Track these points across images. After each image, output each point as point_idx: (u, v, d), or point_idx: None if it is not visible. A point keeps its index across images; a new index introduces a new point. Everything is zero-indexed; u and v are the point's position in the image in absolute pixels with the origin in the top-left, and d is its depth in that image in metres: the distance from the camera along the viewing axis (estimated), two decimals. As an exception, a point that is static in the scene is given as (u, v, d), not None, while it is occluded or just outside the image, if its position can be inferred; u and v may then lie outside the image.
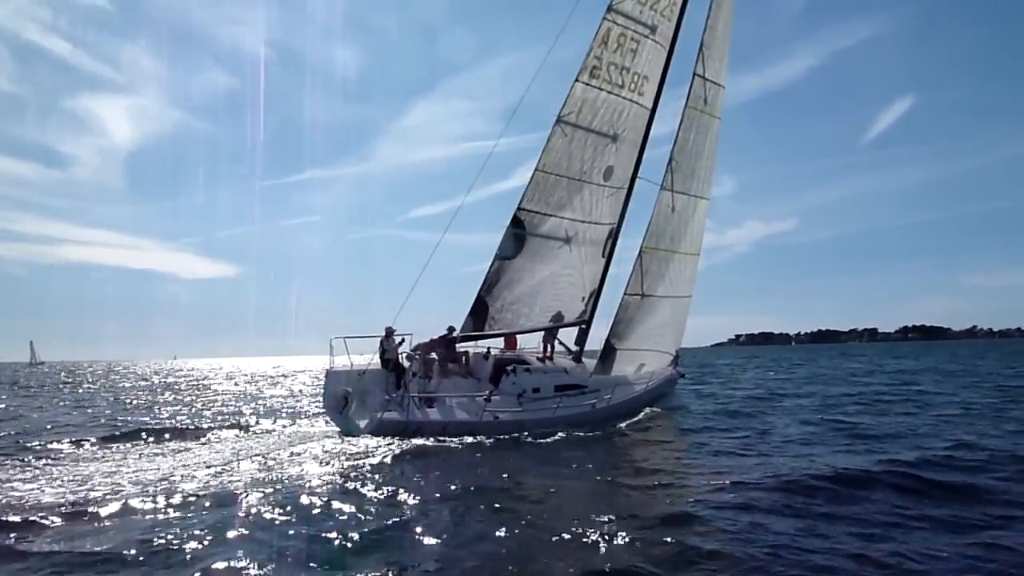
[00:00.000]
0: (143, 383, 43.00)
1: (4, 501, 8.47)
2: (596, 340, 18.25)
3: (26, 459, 11.70)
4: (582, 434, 13.82)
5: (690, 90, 18.47)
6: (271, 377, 50.71)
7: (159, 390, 34.30)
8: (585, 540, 6.68)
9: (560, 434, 13.60)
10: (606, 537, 6.70)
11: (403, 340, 15.42)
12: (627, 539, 6.67)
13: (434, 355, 15.96)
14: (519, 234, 16.80)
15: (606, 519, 7.32)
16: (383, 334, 15.25)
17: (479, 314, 16.65)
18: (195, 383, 41.30)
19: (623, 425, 16.36)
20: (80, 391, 35.33)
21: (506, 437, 13.37)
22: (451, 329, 16.50)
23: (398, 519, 7.51)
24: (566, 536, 6.81)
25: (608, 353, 17.66)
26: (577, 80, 16.53)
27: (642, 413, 18.04)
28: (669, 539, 6.64)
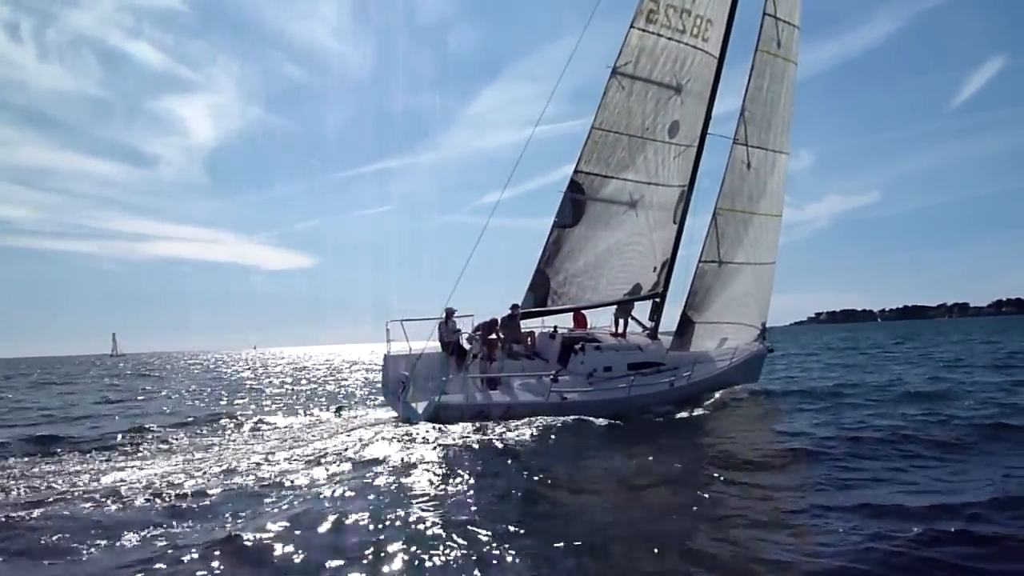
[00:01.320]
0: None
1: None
2: (670, 318, 16.69)
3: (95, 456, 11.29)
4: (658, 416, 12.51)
5: (760, 32, 16.55)
6: (337, 364, 51.04)
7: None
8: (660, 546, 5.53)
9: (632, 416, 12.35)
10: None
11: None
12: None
13: (496, 336, 14.90)
14: (578, 199, 15.45)
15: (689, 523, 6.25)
16: (443, 316, 14.39)
17: (540, 288, 15.41)
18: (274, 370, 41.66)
19: (704, 405, 15.02)
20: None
21: (574, 419, 12.18)
22: (515, 307, 15.41)
23: (454, 515, 6.58)
24: (640, 540, 5.82)
25: (685, 327, 16.12)
26: (632, 26, 14.99)
27: (726, 392, 16.65)
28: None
